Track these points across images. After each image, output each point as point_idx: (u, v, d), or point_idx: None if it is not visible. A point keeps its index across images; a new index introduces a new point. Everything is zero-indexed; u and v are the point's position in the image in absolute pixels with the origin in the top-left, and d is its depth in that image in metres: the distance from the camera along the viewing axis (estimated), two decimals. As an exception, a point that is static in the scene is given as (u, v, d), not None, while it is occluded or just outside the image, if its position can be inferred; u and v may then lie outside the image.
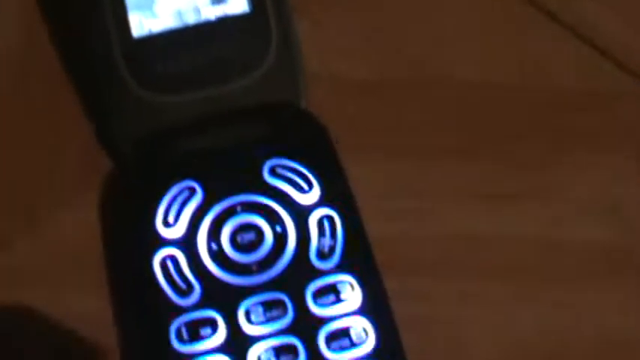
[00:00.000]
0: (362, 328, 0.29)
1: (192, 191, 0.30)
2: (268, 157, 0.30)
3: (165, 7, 0.32)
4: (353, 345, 0.28)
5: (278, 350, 0.28)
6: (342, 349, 0.28)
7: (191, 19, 0.33)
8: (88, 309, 0.31)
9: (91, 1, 0.32)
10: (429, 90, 0.35)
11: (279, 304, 0.29)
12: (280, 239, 0.29)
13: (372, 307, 0.29)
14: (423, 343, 0.30)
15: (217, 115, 0.32)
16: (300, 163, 0.30)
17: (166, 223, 0.29)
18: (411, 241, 0.32)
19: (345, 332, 0.29)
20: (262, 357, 0.28)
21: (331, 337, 0.29)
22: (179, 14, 0.33)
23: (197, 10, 0.33)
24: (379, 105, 0.34)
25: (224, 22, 0.33)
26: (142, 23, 0.32)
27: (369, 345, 0.28)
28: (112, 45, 0.32)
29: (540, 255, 0.33)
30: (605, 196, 0.34)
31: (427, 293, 0.32)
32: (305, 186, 0.30)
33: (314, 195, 0.30)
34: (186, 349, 0.28)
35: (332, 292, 0.29)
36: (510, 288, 0.32)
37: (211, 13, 0.33)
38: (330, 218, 0.30)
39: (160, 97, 0.32)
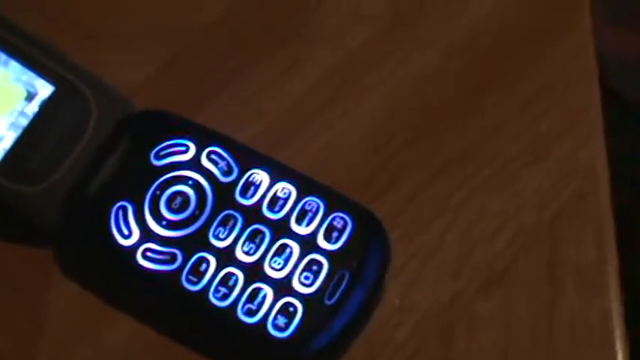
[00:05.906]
0: (282, 188, 0.40)
1: (125, 209, 0.40)
2: (147, 152, 0.41)
3: (2, 129, 0.41)
4: (284, 200, 0.40)
5: (249, 235, 0.40)
6: (281, 208, 0.40)
7: (24, 123, 0.40)
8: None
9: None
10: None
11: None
12: (199, 189, 0.40)
13: (278, 173, 0.40)
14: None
15: (94, 160, 0.41)
16: (165, 141, 0.41)
17: (122, 234, 0.40)
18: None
19: (275, 197, 0.40)
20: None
21: (270, 205, 0.40)
22: (14, 126, 0.40)
23: (23, 114, 0.41)
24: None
25: (46, 106, 0.41)
26: (-5, 151, 0.40)
27: (292, 193, 0.40)
28: None
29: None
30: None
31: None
32: (183, 149, 0.41)
33: (192, 150, 0.41)
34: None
35: (251, 185, 0.40)
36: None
37: (33, 107, 0.41)
38: (215, 152, 0.41)
39: (44, 184, 0.40)
